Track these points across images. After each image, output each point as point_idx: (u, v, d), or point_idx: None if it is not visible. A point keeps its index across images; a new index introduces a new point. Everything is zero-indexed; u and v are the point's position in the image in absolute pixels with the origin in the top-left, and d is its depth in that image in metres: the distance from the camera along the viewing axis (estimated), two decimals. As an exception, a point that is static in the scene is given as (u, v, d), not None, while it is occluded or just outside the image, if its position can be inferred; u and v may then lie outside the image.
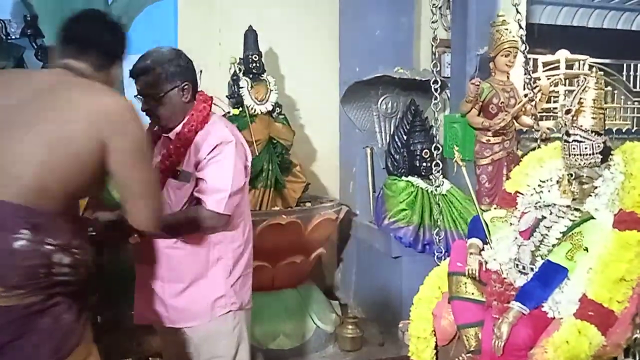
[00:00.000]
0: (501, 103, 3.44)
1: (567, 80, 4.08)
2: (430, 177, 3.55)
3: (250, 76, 3.45)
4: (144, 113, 1.89)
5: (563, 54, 3.94)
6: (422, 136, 3.67)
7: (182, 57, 1.89)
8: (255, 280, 3.18)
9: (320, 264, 4.13)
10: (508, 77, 3.49)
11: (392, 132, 3.84)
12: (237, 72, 3.47)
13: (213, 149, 1.83)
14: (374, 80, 3.79)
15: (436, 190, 3.15)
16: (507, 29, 3.35)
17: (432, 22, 3.01)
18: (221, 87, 3.63)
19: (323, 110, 4.16)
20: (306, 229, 3.25)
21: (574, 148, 1.82)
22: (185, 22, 3.84)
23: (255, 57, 3.46)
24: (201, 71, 2.45)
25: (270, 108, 3.46)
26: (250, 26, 3.51)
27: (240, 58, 3.51)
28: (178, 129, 1.89)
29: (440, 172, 3.33)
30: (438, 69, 2.45)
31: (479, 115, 3.52)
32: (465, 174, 2.18)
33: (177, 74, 1.85)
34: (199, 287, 1.89)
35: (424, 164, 3.60)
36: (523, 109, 3.45)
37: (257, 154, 3.36)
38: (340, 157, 4.28)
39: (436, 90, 2.44)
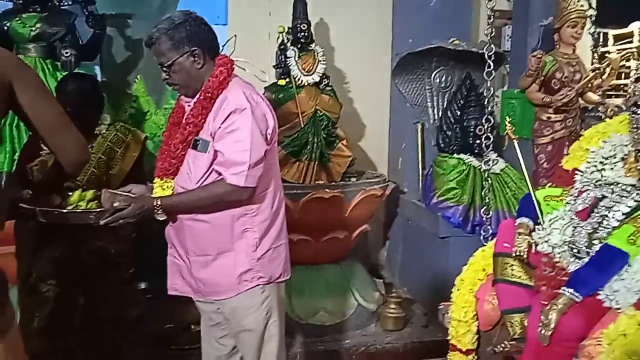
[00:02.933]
0: (565, 78, 3.21)
1: (642, 55, 3.74)
2: (484, 154, 3.37)
3: (299, 46, 3.35)
4: (168, 84, 1.86)
5: (637, 26, 3.61)
6: (477, 112, 3.46)
7: (191, 21, 1.80)
8: (297, 254, 3.15)
9: (365, 241, 4.05)
10: (574, 51, 3.26)
11: (444, 107, 3.66)
12: (285, 41, 3.38)
13: (226, 118, 1.75)
14: (427, 52, 3.60)
15: (485, 165, 2.96)
16: (576, -1, 3.10)
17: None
18: (271, 58, 3.57)
19: (373, 84, 4.03)
20: (349, 205, 3.16)
21: None
22: (236, -9, 3.79)
23: (303, 27, 3.35)
24: (235, 36, 2.39)
25: (317, 79, 3.35)
26: (300, -6, 3.41)
27: (288, 27, 3.42)
28: (196, 97, 1.83)
29: (493, 148, 3.14)
30: (492, 34, 2.24)
31: (539, 90, 3.30)
32: (518, 148, 2.02)
33: (185, 39, 1.76)
34: (225, 261, 1.84)
35: (478, 141, 3.40)
36: (589, 85, 3.20)
37: (303, 126, 3.29)
38: (389, 132, 4.14)
39: (490, 57, 2.25)
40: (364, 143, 4.09)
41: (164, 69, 1.80)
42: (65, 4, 3.06)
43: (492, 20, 2.22)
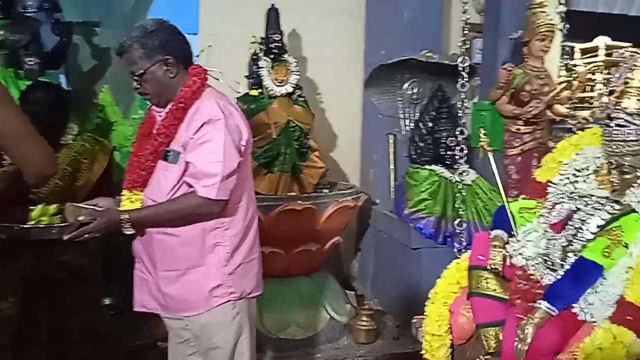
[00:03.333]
0: (534, 90, 3.26)
1: (606, 68, 3.83)
2: (455, 166, 3.39)
3: (271, 57, 3.32)
4: (138, 94, 1.80)
5: (602, 40, 3.70)
6: (449, 123, 3.50)
7: (164, 30, 1.76)
8: (268, 267, 3.09)
9: (337, 253, 4.01)
10: (542, 63, 3.31)
11: (417, 119, 3.67)
12: (258, 52, 3.34)
13: (199, 129, 1.70)
14: (400, 63, 3.63)
15: (459, 177, 2.97)
16: (544, 12, 3.16)
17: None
18: (243, 69, 3.52)
19: (346, 95, 4.02)
20: (322, 216, 3.14)
21: (616, 133, 1.63)
22: (208, 1, 3.73)
23: (276, 37, 3.33)
24: (210, 46, 2.35)
25: (290, 90, 3.33)
26: (273, 5, 3.38)
27: (261, 38, 3.38)
28: (168, 107, 1.78)
29: (465, 160, 3.16)
30: (468, 46, 2.25)
31: (509, 102, 3.34)
32: (492, 160, 2.02)
33: (158, 48, 1.72)
34: (195, 276, 1.78)
35: (450, 153, 3.43)
36: (557, 97, 3.25)
37: (275, 136, 3.25)
38: (361, 143, 4.13)
39: (464, 69, 2.25)
40: (336, 154, 4.06)
41: (136, 77, 1.74)
42: (30, 11, 2.95)
43: (466, 32, 2.21)
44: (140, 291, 1.90)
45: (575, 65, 3.50)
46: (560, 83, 3.29)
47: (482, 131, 2.06)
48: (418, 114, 3.71)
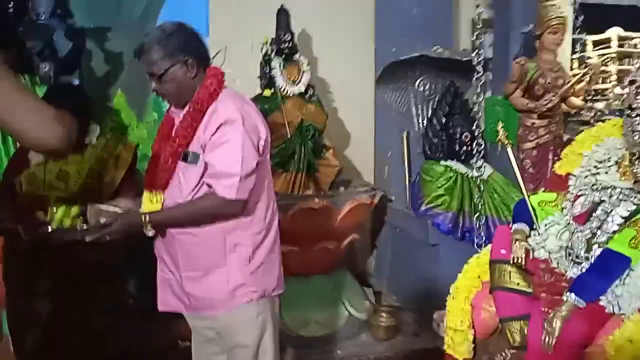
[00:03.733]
0: (548, 83, 3.25)
1: (620, 60, 3.80)
2: (471, 161, 3.39)
3: (283, 57, 3.33)
4: (159, 95, 1.81)
5: (615, 31, 3.68)
6: (462, 119, 3.49)
7: (183, 31, 1.77)
8: (286, 266, 3.11)
9: (353, 250, 4.02)
10: (555, 57, 3.29)
11: (430, 115, 3.67)
12: (269, 52, 3.35)
13: (217, 130, 1.71)
14: (411, 60, 3.63)
15: (476, 171, 2.96)
16: (555, 5, 3.14)
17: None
18: (254, 70, 3.54)
19: (358, 93, 4.01)
20: (339, 214, 3.14)
21: (637, 123, 1.63)
22: (217, 2, 3.75)
23: (287, 37, 3.34)
24: (226, 47, 2.36)
25: (302, 89, 3.34)
26: (282, 5, 3.40)
27: (272, 38, 3.40)
28: (185, 108, 1.79)
29: (482, 155, 3.15)
30: (482, 40, 2.25)
31: (523, 96, 3.34)
32: (511, 153, 2.02)
33: (178, 49, 1.73)
34: (217, 275, 1.79)
35: (464, 148, 3.43)
36: (572, 90, 3.24)
37: (289, 136, 3.26)
38: (375, 140, 4.13)
39: (478, 64, 2.25)
40: (349, 152, 4.07)
41: (155, 78, 1.75)
42: (43, 17, 2.98)
43: (480, 27, 2.21)
44: (164, 291, 1.92)
45: (588, 58, 3.49)
46: (575, 75, 3.27)
47: (500, 125, 2.05)
48: (431, 111, 3.70)
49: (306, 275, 3.23)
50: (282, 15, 3.38)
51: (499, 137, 2.04)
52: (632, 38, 3.62)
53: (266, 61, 3.36)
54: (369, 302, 3.44)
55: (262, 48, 3.40)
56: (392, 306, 3.37)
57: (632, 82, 1.60)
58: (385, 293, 3.90)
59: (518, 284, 1.75)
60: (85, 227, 1.80)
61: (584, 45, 3.71)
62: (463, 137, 3.43)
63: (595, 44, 3.87)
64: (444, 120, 3.53)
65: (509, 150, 2.04)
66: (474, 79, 2.48)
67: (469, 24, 4.07)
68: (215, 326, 1.87)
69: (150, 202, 1.82)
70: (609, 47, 3.75)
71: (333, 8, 3.92)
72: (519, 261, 1.75)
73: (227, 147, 1.70)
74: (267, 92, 3.32)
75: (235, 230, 1.78)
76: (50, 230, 1.88)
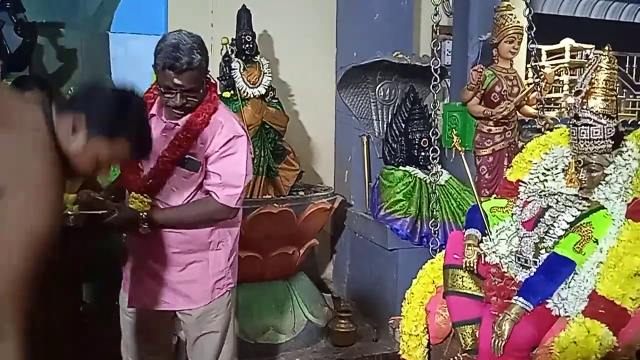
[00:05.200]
0: (504, 91, 3.31)
1: (572, 70, 3.94)
2: (429, 166, 3.43)
3: (243, 58, 3.29)
4: (177, 108, 1.82)
5: (568, 42, 3.81)
6: (421, 124, 3.52)
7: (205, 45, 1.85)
8: (245, 272, 3.07)
9: (312, 255, 4.01)
10: (511, 65, 3.37)
11: (389, 120, 3.69)
12: (229, 53, 3.31)
13: (226, 143, 1.83)
14: (372, 65, 3.64)
15: (432, 179, 2.99)
16: (511, 14, 3.22)
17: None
18: (213, 70, 3.48)
19: (319, 96, 4.02)
20: (299, 219, 3.12)
21: (583, 132, 1.67)
22: (176, 1, 3.69)
23: (248, 38, 3.30)
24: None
25: (263, 92, 3.30)
26: (244, 5, 3.36)
27: (232, 39, 3.35)
28: (188, 117, 1.84)
29: (438, 160, 3.19)
30: (439, 48, 2.28)
31: (480, 103, 3.40)
32: (464, 160, 2.04)
33: (206, 65, 1.82)
34: (200, 271, 1.89)
35: (423, 154, 3.46)
36: (526, 98, 3.32)
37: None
38: (335, 145, 4.14)
39: (436, 71, 2.28)
40: (310, 156, 4.06)
41: (189, 94, 1.78)
42: (-9, 11, 2.87)
43: (437, 34, 2.24)
44: (137, 287, 1.94)
45: (542, 67, 3.59)
46: (529, 84, 3.35)
47: (455, 132, 2.08)
48: (391, 116, 3.72)
49: (264, 281, 3.20)
50: (244, 15, 3.34)
51: (453, 143, 2.07)
52: (584, 49, 3.76)
53: (226, 62, 3.31)
54: (327, 308, 3.43)
55: (222, 49, 3.36)
56: (350, 312, 3.35)
57: (577, 93, 1.64)
58: (344, 298, 3.90)
59: (470, 288, 1.77)
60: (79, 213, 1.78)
61: (539, 55, 3.82)
62: (422, 142, 3.47)
63: (549, 54, 4.00)
64: (403, 126, 3.56)
65: (463, 157, 2.06)
66: (431, 85, 2.49)
67: (429, 30, 4.13)
68: (191, 316, 1.94)
69: (140, 205, 1.86)
70: (562, 57, 3.88)
71: (295, 10, 3.92)
72: (471, 266, 1.77)
73: (234, 159, 1.84)
74: (227, 94, 3.26)
75: (221, 229, 1.91)
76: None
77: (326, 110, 4.08)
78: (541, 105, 3.26)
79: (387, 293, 3.37)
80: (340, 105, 3.91)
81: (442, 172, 3.39)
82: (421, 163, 3.47)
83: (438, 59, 2.29)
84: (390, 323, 2.16)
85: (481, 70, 3.24)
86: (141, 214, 1.81)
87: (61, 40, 3.40)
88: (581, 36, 4.03)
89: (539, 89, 3.23)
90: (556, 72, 3.75)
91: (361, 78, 3.73)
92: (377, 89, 3.79)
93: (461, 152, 2.07)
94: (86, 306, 3.00)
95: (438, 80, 2.30)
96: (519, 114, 3.42)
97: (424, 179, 3.38)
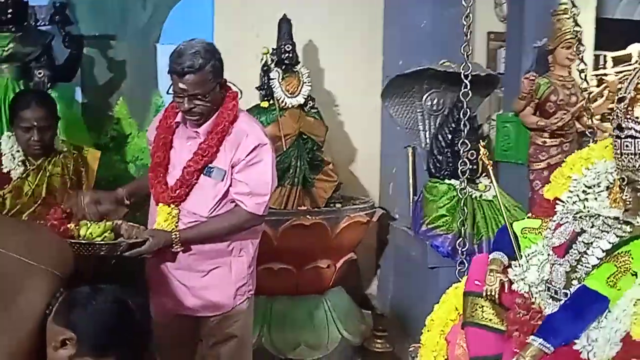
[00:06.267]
0: (560, 101, 3.08)
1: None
2: (476, 180, 3.22)
3: (283, 67, 3.26)
4: (186, 112, 1.85)
5: (636, 48, 3.47)
6: (469, 135, 3.30)
7: (219, 51, 1.88)
8: (277, 284, 3.02)
9: (356, 270, 3.88)
10: (569, 73, 3.13)
11: (435, 131, 3.51)
12: (268, 62, 3.28)
13: (252, 151, 1.85)
14: (418, 74, 3.48)
15: (461, 194, 2.77)
16: (569, 19, 2.98)
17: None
18: (258, 80, 3.47)
19: (364, 107, 3.91)
20: (333, 232, 3.02)
21: (627, 145, 1.44)
22: (222, 13, 3.71)
23: (288, 48, 3.26)
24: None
25: (302, 101, 3.26)
26: (285, 15, 3.33)
27: (273, 48, 3.32)
28: (208, 126, 1.86)
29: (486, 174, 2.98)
30: (470, 52, 2.13)
31: (534, 114, 3.17)
32: (492, 174, 1.87)
33: (220, 70, 1.85)
34: (222, 276, 1.93)
35: (470, 166, 3.25)
36: (586, 108, 3.06)
37: (285, 149, 3.16)
38: (381, 156, 4.00)
39: (466, 77, 2.12)
40: (355, 167, 3.95)
41: (196, 98, 1.80)
42: (42, 24, 2.99)
43: (468, 37, 2.09)
44: (164, 295, 1.95)
45: (605, 75, 3.30)
46: (589, 93, 3.09)
47: (482, 144, 1.91)
48: (437, 126, 3.54)
49: (298, 294, 3.11)
50: (284, 25, 3.31)
51: (480, 156, 1.89)
52: (656, 55, 3.42)
53: (265, 72, 3.28)
54: (365, 326, 3.29)
55: (262, 58, 3.33)
56: (387, 331, 3.19)
57: (620, 100, 1.42)
58: (387, 316, 3.73)
59: (491, 320, 1.56)
60: (124, 241, 1.82)
61: (604, 61, 3.52)
62: (469, 154, 3.25)
63: (616, 60, 3.67)
64: (449, 137, 3.37)
65: (490, 170, 1.89)
66: (461, 93, 2.30)
67: (480, 37, 3.92)
68: (213, 320, 1.98)
69: (167, 216, 1.88)
70: (629, 64, 3.55)
71: (341, 19, 3.84)
72: (492, 294, 1.57)
73: (260, 167, 1.87)
74: (265, 104, 3.23)
75: (242, 236, 1.93)
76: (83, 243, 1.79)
77: (372, 121, 3.97)
78: (603, 116, 2.98)
79: (427, 313, 3.17)
80: (386, 115, 3.77)
81: (490, 186, 3.17)
82: (468, 177, 3.26)
83: (469, 64, 2.11)
84: (410, 351, 1.99)
85: (533, 78, 3.03)
86: (174, 235, 1.83)
87: (111, 52, 3.51)
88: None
89: (597, 99, 2.96)
90: (621, 80, 3.43)
91: (407, 87, 3.58)
92: (424, 99, 3.61)
93: (488, 165, 1.89)
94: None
95: (468, 87, 2.12)
96: (577, 125, 3.16)
97: (470, 193, 3.17)
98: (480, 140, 3.02)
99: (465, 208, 2.21)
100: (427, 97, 3.60)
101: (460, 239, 3.09)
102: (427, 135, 3.64)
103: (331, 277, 3.21)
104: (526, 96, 3.08)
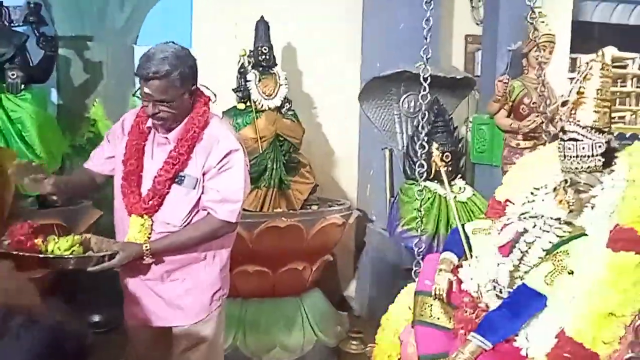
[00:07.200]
0: (533, 104, 3.11)
1: (614, 81, 3.62)
2: (452, 182, 3.23)
3: (260, 69, 3.26)
4: (151, 117, 1.80)
5: (609, 52, 3.50)
6: (445, 138, 3.33)
7: (190, 57, 1.80)
8: (253, 287, 3.01)
9: (334, 272, 3.90)
10: (543, 75, 3.13)
11: (411, 133, 3.53)
12: (245, 64, 3.28)
13: (223, 158, 1.80)
14: (395, 76, 3.50)
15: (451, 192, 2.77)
16: (543, 22, 3.01)
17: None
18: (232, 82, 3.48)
19: (342, 109, 3.93)
20: (308, 234, 3.02)
21: (569, 148, 1.47)
22: (200, 15, 3.73)
23: (265, 49, 3.27)
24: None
25: (278, 103, 3.26)
26: (262, 17, 3.33)
27: (250, 50, 3.33)
28: (178, 132, 1.82)
29: (461, 175, 3.00)
30: (429, 55, 2.14)
31: (508, 116, 3.20)
32: (445, 177, 1.89)
33: (189, 76, 1.77)
34: (195, 284, 1.87)
35: (445, 169, 3.26)
36: (559, 111, 3.07)
37: (262, 151, 3.17)
38: (358, 158, 4.02)
39: (425, 79, 2.13)
40: (332, 169, 3.97)
41: (161, 104, 1.75)
42: (16, 24, 2.99)
43: (427, 40, 2.10)
44: (135, 306, 1.92)
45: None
46: (562, 96, 3.11)
47: (435, 145, 1.92)
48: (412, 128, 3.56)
49: (274, 296, 3.11)
50: (261, 27, 3.31)
51: (433, 158, 1.91)
52: (627, 59, 3.45)
53: (241, 74, 3.29)
54: (340, 328, 3.29)
55: (239, 60, 3.34)
56: (362, 332, 3.20)
57: (564, 104, 1.44)
58: (364, 318, 3.74)
59: (438, 318, 1.58)
60: (93, 255, 1.76)
61: (577, 65, 3.55)
62: (444, 156, 3.28)
63: (590, 63, 3.69)
64: (425, 139, 3.38)
65: (443, 172, 1.90)
66: (420, 95, 2.29)
67: (461, 40, 3.96)
68: (185, 327, 1.91)
69: (140, 227, 1.83)
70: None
71: (320, 21, 3.86)
72: (440, 294, 1.59)
73: (231, 174, 1.81)
74: (241, 105, 3.24)
75: (217, 244, 1.89)
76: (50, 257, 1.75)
77: (350, 123, 3.99)
78: (545, 117, 3.00)
79: (401, 315, 3.19)
80: (364, 117, 3.79)
81: (464, 187, 3.20)
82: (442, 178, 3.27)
83: (427, 67, 2.13)
84: (366, 350, 2.00)
85: (507, 80, 3.05)
86: (145, 247, 1.78)
87: (88, 53, 3.52)
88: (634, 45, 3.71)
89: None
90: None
91: (385, 90, 3.60)
92: (401, 101, 3.64)
93: (441, 168, 1.90)
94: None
95: (427, 90, 2.13)
96: (551, 127, 3.18)
97: (444, 195, 3.19)
98: (459, 144, 3.08)
99: (422, 210, 2.20)
100: (404, 99, 3.63)
101: (435, 240, 3.14)
102: (404, 138, 3.66)
103: (307, 279, 3.21)
104: (500, 99, 3.11)
